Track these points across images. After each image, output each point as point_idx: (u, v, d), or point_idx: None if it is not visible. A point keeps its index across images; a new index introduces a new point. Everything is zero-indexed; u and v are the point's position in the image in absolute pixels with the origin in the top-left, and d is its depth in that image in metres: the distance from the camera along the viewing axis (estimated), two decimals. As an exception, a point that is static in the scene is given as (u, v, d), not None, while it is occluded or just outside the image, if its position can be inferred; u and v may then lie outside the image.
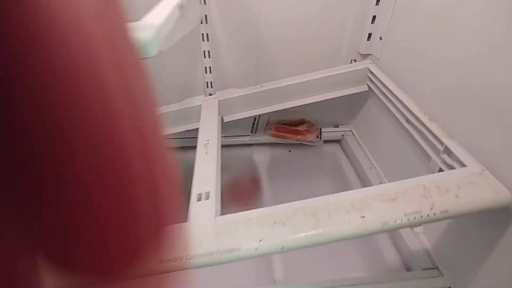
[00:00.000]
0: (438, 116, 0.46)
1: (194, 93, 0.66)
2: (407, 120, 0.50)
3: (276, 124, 0.73)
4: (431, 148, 0.46)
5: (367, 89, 0.64)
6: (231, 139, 0.71)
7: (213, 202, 0.36)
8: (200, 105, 0.60)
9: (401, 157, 0.54)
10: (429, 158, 0.46)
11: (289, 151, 0.74)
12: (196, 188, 0.37)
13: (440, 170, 0.43)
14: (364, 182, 0.64)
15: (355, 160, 0.69)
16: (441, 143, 0.43)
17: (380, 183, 0.55)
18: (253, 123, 0.72)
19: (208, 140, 0.47)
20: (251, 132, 0.73)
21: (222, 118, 0.62)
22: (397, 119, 0.53)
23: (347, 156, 0.73)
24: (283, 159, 0.71)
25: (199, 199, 0.36)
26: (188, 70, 0.63)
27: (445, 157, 0.43)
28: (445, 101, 0.44)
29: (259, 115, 0.70)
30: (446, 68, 0.44)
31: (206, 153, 0.44)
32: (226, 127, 0.62)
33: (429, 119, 0.46)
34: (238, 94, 0.63)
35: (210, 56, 0.62)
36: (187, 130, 0.62)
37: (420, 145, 0.48)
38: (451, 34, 0.42)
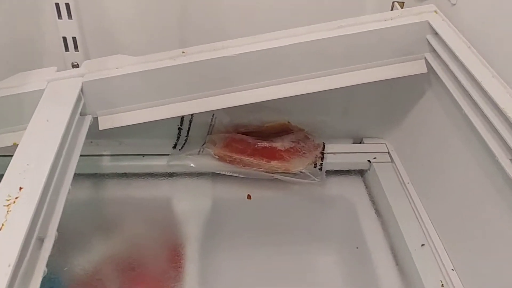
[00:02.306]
0: None
1: (37, 63, 0.57)
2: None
3: (227, 133, 0.62)
4: None
5: (425, 70, 0.53)
6: (123, 162, 0.60)
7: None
8: (42, 91, 0.47)
9: (497, 230, 0.45)
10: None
11: (248, 196, 0.60)
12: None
13: None
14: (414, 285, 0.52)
15: (393, 224, 0.56)
16: None
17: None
18: (179, 130, 0.62)
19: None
20: (174, 147, 0.60)
21: (95, 119, 0.51)
22: (489, 148, 0.43)
23: (377, 211, 0.60)
24: (234, 216, 0.59)
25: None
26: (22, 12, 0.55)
27: None
28: None
29: (191, 116, 0.60)
30: None
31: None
32: (110, 135, 0.54)
33: None
34: (134, 70, 0.49)
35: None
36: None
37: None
38: None
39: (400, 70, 0.52)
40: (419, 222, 0.55)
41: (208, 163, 0.60)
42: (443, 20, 0.50)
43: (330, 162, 0.62)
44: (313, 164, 0.60)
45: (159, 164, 0.60)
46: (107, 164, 0.57)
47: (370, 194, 0.63)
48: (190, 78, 0.50)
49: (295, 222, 0.60)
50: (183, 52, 0.50)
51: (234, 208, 0.60)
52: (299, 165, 0.59)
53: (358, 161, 0.64)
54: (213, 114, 0.61)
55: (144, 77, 0.49)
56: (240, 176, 0.60)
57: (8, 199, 0.32)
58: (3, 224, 0.30)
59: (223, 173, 0.60)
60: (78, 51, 0.57)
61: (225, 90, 0.50)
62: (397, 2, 0.56)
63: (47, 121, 0.40)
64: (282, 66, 0.50)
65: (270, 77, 0.51)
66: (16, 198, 0.32)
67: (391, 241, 0.57)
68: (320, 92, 0.52)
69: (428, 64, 0.52)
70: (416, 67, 0.53)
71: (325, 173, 0.61)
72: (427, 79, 0.55)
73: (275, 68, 0.50)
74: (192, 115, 0.60)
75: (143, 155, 0.60)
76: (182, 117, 0.60)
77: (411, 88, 0.57)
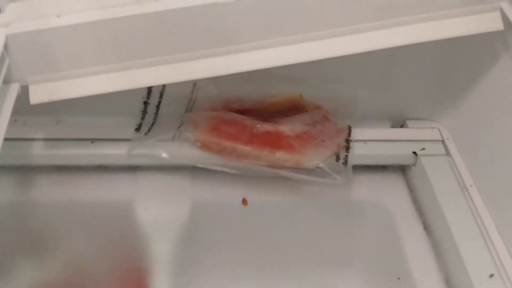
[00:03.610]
0: None
1: None
2: None
3: (213, 111, 0.62)
4: None
5: (500, 26, 0.52)
6: (63, 150, 0.60)
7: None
8: None
9: None
10: None
11: (243, 201, 0.61)
12: None
13: None
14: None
15: (448, 244, 0.55)
16: None
17: None
18: (145, 105, 0.62)
19: None
20: (137, 129, 0.61)
21: (24, 88, 0.50)
22: None
23: (426, 226, 0.59)
24: (223, 228, 0.59)
25: None
26: None
27: None
28: None
29: (162, 86, 0.61)
30: None
31: None
32: (45, 110, 0.56)
33: None
34: (83, 19, 0.48)
35: None
36: None
37: None
38: None
39: (464, 26, 0.51)
40: (486, 243, 0.54)
41: (186, 153, 0.59)
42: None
43: (359, 154, 0.61)
44: (334, 156, 0.59)
45: (115, 153, 0.59)
46: (40, 153, 0.57)
47: (415, 201, 0.62)
48: (164, 32, 0.49)
49: (308, 238, 0.58)
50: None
51: (222, 218, 0.59)
52: (315, 157, 0.58)
53: (399, 153, 0.63)
54: (195, 84, 0.60)
55: (97, 30, 0.48)
56: (232, 172, 0.58)
57: None
58: None
59: (208, 167, 0.58)
60: (-2, -13, 0.55)
61: (215, 51, 0.50)
62: None
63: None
64: (296, 18, 0.50)
65: (279, 34, 0.50)
66: None
67: (447, 269, 0.55)
68: (346, 56, 0.52)
69: (505, 18, 0.50)
70: (487, 22, 0.51)
71: (351, 170, 0.60)
72: (503, 39, 0.54)
73: (286, 21, 0.50)
74: (164, 85, 0.59)
75: (92, 139, 0.58)
76: (150, 88, 0.59)
77: (479, 52, 0.57)
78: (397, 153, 0.64)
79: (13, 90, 0.47)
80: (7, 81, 0.46)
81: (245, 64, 0.51)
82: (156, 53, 0.51)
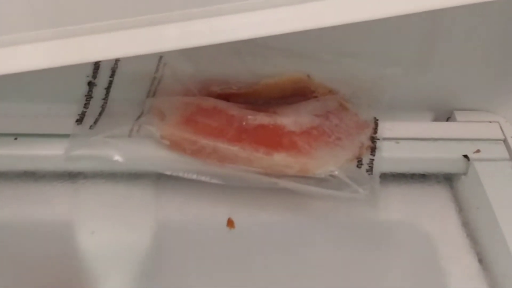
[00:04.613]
0: None
1: None
2: None
3: (186, 96, 0.63)
4: None
5: None
6: None
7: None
8: None
9: None
10: None
11: (229, 222, 0.60)
12: None
13: None
14: None
15: None
16: None
17: None
18: (90, 87, 0.63)
19: None
20: (79, 121, 0.61)
21: None
22: None
23: (481, 258, 0.59)
24: (201, 258, 0.59)
25: None
26: None
27: None
28: None
29: (114, 61, 0.62)
30: None
31: None
32: None
33: None
34: None
35: None
36: None
37: None
38: None
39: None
40: None
41: (148, 154, 0.57)
42: None
43: (389, 157, 0.59)
44: (355, 160, 0.57)
45: (48, 154, 0.58)
46: None
47: (467, 224, 0.60)
48: None
49: (318, 273, 0.57)
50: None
51: (199, 245, 0.58)
52: (328, 162, 0.56)
53: (444, 157, 0.61)
54: (160, 57, 0.60)
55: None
56: (212, 181, 0.56)
57: None
58: None
59: (179, 174, 0.56)
60: None
61: (191, 12, 0.48)
62: None
63: None
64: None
65: None
66: None
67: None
68: (372, 21, 0.52)
69: None
70: None
71: (378, 180, 0.58)
72: None
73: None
74: (117, 59, 0.58)
75: (16, 135, 0.57)
76: (97, 63, 0.59)
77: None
78: (441, 156, 0.61)
79: None
80: None
81: (232, 31, 0.49)
82: (108, 15, 0.49)
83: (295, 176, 0.57)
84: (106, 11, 0.49)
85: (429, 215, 0.61)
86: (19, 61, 0.48)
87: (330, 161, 0.57)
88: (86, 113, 0.59)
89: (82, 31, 0.49)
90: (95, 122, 0.59)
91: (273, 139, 0.57)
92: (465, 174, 0.61)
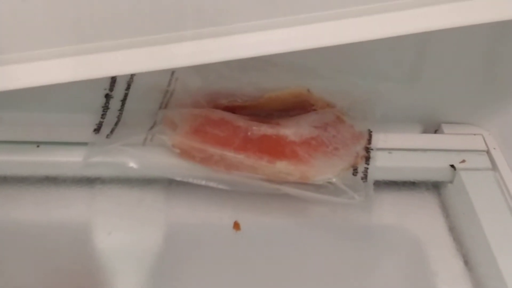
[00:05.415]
0: None
1: None
2: None
3: (196, 108, 0.63)
4: None
5: None
6: (2, 157, 0.60)
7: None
8: None
9: None
10: None
11: (235, 225, 0.61)
12: None
13: None
14: None
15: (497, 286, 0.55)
16: None
17: None
18: (107, 99, 0.63)
19: None
20: (96, 130, 0.61)
21: None
22: None
23: (467, 262, 0.59)
24: (209, 260, 0.59)
25: None
26: None
27: None
28: None
29: (130, 75, 0.62)
30: None
31: None
32: None
33: None
34: None
35: None
36: None
37: None
38: None
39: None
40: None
41: (160, 162, 0.59)
42: None
43: (382, 166, 0.61)
44: (351, 169, 0.59)
45: (68, 161, 0.59)
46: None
47: (453, 228, 0.61)
48: (138, 6, 0.49)
49: (317, 273, 0.58)
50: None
51: (207, 246, 0.59)
52: (326, 170, 0.58)
53: (432, 166, 0.63)
54: (173, 73, 0.60)
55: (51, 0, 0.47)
56: (219, 187, 0.58)
57: None
58: None
59: (189, 180, 0.58)
60: None
61: (201, 32, 0.50)
62: None
63: None
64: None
65: (283, 12, 0.50)
66: None
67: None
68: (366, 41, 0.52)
69: None
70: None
71: (372, 187, 0.59)
72: None
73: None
74: (132, 74, 0.59)
75: (38, 143, 0.58)
76: (114, 77, 0.59)
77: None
78: (430, 166, 0.63)
79: None
80: None
81: (239, 50, 0.51)
82: (126, 33, 0.50)
83: (296, 182, 0.58)
84: (124, 30, 0.50)
85: (419, 220, 0.63)
86: (45, 75, 0.49)
87: (328, 169, 0.58)
88: (103, 123, 0.60)
89: (102, 48, 0.50)
90: (112, 131, 0.59)
91: (276, 149, 0.59)
92: (451, 182, 0.63)
